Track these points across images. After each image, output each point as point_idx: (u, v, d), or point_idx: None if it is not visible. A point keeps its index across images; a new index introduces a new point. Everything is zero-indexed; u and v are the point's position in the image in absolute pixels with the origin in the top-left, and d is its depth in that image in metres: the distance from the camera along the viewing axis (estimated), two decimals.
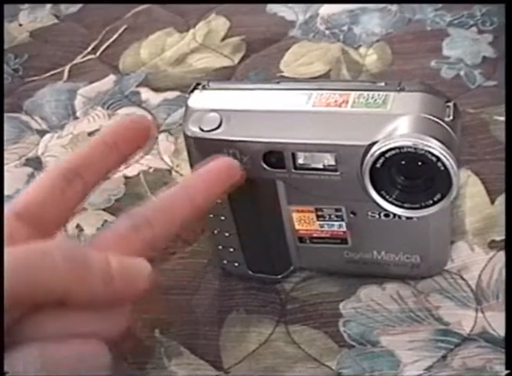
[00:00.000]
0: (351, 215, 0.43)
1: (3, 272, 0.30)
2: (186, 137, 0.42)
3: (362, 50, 0.66)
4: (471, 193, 0.51)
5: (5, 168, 0.59)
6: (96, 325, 0.34)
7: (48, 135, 0.62)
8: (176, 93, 0.64)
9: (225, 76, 0.65)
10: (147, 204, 0.38)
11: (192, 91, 0.44)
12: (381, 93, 0.40)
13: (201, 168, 0.40)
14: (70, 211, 0.40)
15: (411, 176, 0.39)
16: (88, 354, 0.33)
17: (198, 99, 0.43)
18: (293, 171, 0.41)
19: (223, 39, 0.70)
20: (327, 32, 0.68)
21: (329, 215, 0.44)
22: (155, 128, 0.42)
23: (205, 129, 0.41)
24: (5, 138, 0.63)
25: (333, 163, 0.40)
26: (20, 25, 0.77)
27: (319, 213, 0.44)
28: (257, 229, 0.42)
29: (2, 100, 0.66)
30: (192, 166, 0.44)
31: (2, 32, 0.74)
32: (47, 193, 0.38)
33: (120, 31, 0.74)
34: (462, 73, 0.61)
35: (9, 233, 0.36)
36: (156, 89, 0.65)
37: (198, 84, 0.44)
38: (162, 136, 0.60)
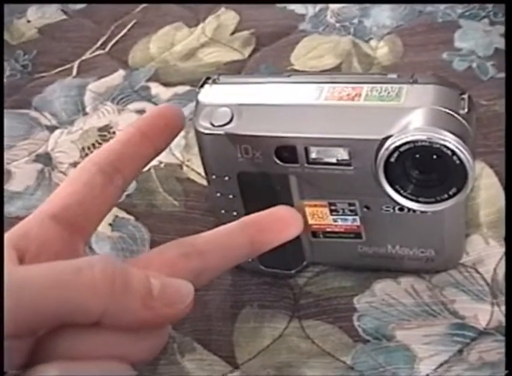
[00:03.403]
0: (365, 210, 0.43)
1: (3, 275, 0.29)
2: (197, 132, 0.42)
3: (372, 43, 0.65)
4: (486, 185, 0.50)
5: (15, 164, 0.59)
6: (129, 348, 0.32)
7: (57, 131, 0.62)
8: (186, 88, 0.64)
9: (235, 70, 0.65)
10: (202, 234, 0.37)
11: (202, 85, 0.43)
12: (394, 86, 0.40)
13: (264, 211, 0.40)
14: (110, 208, 0.39)
15: (426, 170, 0.39)
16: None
17: (208, 94, 0.43)
18: (305, 165, 0.41)
19: (233, 33, 0.70)
20: (337, 25, 0.68)
21: (343, 210, 0.43)
22: (184, 117, 0.42)
23: (216, 124, 0.41)
24: (15, 134, 0.62)
25: (346, 157, 0.40)
26: (29, 21, 0.77)
27: (333, 207, 0.43)
28: None
29: (2, 98, 0.65)
30: (203, 161, 0.44)
31: (2, 32, 0.74)
32: (86, 191, 0.37)
33: (129, 26, 0.73)
34: (474, 65, 0.60)
35: (44, 237, 0.35)
36: (166, 84, 0.65)
37: (208, 78, 0.44)
38: None
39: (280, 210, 0.41)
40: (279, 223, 0.40)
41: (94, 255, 0.49)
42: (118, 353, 0.32)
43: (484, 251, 0.47)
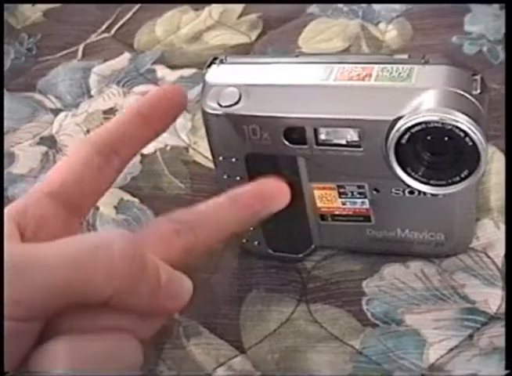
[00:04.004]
0: (374, 192, 0.42)
1: (3, 269, 0.29)
2: (204, 113, 0.41)
3: (381, 26, 0.64)
4: (497, 169, 0.49)
5: (19, 146, 0.59)
6: (130, 325, 0.32)
7: (62, 114, 0.62)
8: (192, 70, 0.63)
9: (241, 53, 0.64)
10: (191, 210, 0.37)
11: (209, 65, 0.43)
12: (405, 66, 0.39)
13: (252, 183, 0.40)
14: (105, 188, 0.38)
15: (437, 152, 0.38)
16: (120, 351, 0.31)
17: (216, 74, 0.42)
18: (314, 147, 0.40)
19: (240, 16, 0.69)
20: (346, 8, 0.67)
21: (352, 193, 0.43)
22: (187, 98, 0.41)
23: (224, 105, 0.40)
24: (19, 117, 0.62)
25: (356, 139, 0.39)
26: (33, 5, 0.76)
27: (341, 190, 0.43)
28: None
29: (2, 98, 0.64)
30: (210, 143, 0.43)
31: (2, 30, 0.73)
32: (83, 170, 0.37)
33: (134, 9, 0.73)
34: (484, 49, 0.60)
35: (42, 214, 0.35)
36: (172, 67, 0.64)
37: (215, 58, 0.43)
38: None
39: (266, 182, 0.40)
40: (266, 196, 0.40)
41: (108, 230, 0.48)
42: (120, 328, 0.32)
43: (494, 235, 0.46)
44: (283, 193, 0.40)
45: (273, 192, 0.40)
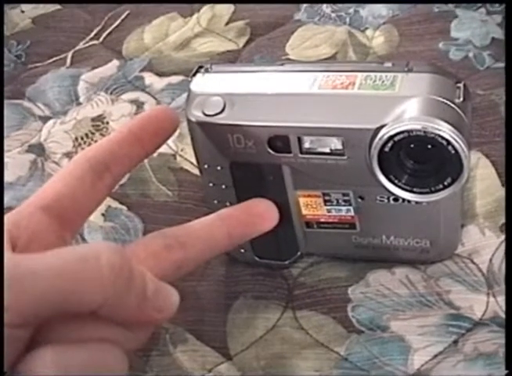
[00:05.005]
0: (359, 200, 0.42)
1: (3, 274, 0.29)
2: (189, 122, 0.41)
3: (368, 32, 0.65)
4: (482, 175, 0.50)
5: (8, 154, 0.59)
6: (117, 336, 0.32)
7: (50, 121, 0.62)
8: (180, 77, 0.63)
9: (229, 60, 0.64)
10: (182, 227, 0.38)
11: (194, 74, 0.43)
12: (389, 74, 0.40)
13: (241, 204, 0.42)
14: (97, 204, 0.39)
15: (420, 160, 0.38)
16: (104, 360, 0.32)
17: (201, 83, 0.42)
18: (299, 155, 0.41)
19: (227, 23, 0.69)
20: (333, 15, 0.67)
21: (337, 200, 0.43)
22: (178, 121, 0.42)
23: (208, 114, 0.41)
24: (8, 124, 0.62)
25: (340, 147, 0.40)
26: (22, 12, 0.76)
27: (327, 198, 0.43)
28: None
29: (2, 102, 0.64)
30: (195, 151, 0.43)
31: (2, 32, 0.73)
32: (77, 185, 0.37)
33: (123, 16, 0.73)
34: (471, 54, 0.60)
35: (35, 228, 0.35)
36: (160, 74, 0.64)
37: (200, 67, 0.43)
38: None
39: (256, 203, 0.42)
40: (254, 217, 0.42)
41: (97, 242, 0.48)
42: (106, 339, 0.32)
43: (480, 241, 0.46)
44: (272, 214, 0.42)
45: (262, 213, 0.42)
